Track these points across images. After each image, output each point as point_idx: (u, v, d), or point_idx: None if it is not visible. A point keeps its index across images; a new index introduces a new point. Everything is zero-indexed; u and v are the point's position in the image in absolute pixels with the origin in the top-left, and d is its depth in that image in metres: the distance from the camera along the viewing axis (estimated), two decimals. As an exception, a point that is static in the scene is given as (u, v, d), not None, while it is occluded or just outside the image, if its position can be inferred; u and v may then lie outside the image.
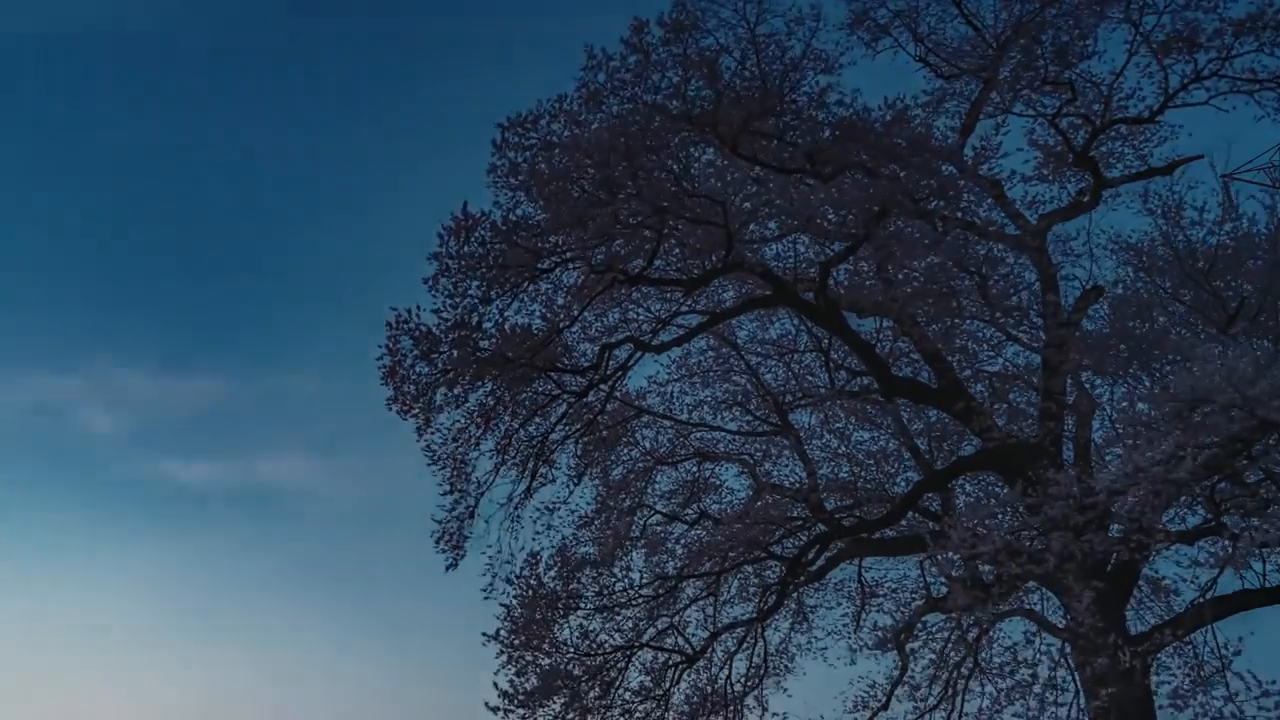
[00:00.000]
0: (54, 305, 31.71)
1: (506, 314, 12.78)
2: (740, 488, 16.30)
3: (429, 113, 30.57)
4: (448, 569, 13.64)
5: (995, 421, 12.83)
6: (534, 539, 14.87)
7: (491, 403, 13.47)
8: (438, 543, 13.63)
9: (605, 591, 14.65)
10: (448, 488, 13.61)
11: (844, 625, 15.68)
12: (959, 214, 12.41)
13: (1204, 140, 12.51)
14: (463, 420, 13.52)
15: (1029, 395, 13.90)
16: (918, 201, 12.06)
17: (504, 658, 13.62)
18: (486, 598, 13.87)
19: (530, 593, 13.90)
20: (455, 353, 12.63)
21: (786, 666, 15.64)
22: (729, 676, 14.85)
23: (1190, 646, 12.14)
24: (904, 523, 14.18)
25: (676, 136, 11.84)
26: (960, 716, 13.89)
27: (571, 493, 15.44)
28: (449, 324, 12.55)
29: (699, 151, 12.69)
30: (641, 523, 15.77)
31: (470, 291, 12.47)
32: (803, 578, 14.27)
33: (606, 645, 14.22)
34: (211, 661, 31.21)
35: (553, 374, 13.35)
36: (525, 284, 12.73)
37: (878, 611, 15.58)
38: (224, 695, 29.96)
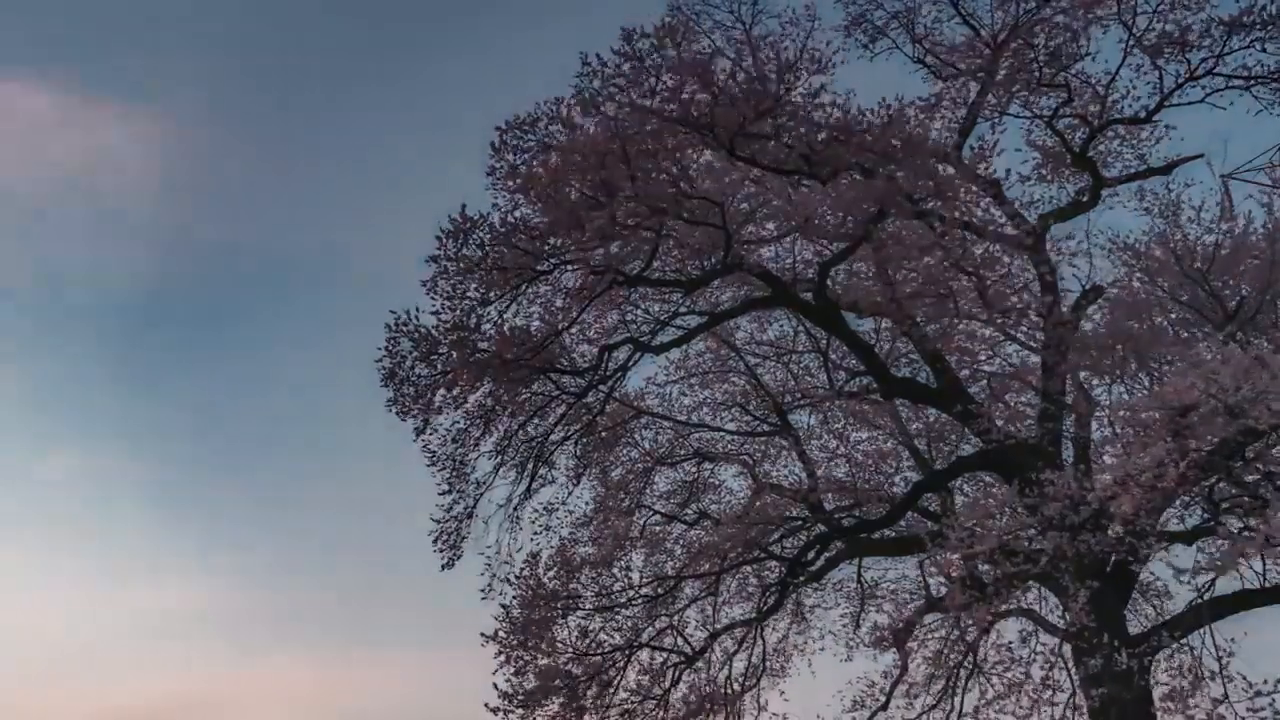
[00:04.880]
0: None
1: (505, 316, 12.83)
2: (739, 488, 16.36)
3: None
4: (443, 568, 13.71)
5: (994, 422, 12.82)
6: (533, 539, 14.95)
7: (491, 404, 13.51)
8: (435, 542, 13.68)
9: (604, 591, 14.68)
10: (446, 488, 13.65)
11: (843, 625, 15.73)
12: (957, 214, 12.39)
13: (1202, 139, 12.52)
14: (462, 421, 13.58)
15: (1028, 395, 13.89)
16: (915, 202, 12.06)
17: (502, 658, 13.68)
18: (484, 598, 13.95)
19: (530, 593, 13.95)
20: (454, 354, 12.67)
21: (785, 666, 15.69)
22: (728, 676, 14.90)
23: (1187, 648, 12.13)
24: (903, 523, 14.21)
25: (673, 139, 11.84)
26: (959, 716, 13.93)
27: (570, 493, 15.52)
28: (448, 326, 12.59)
29: (696, 153, 12.70)
30: (641, 523, 15.82)
31: (469, 293, 12.51)
32: (802, 578, 14.29)
33: (605, 645, 14.27)
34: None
35: (552, 375, 13.37)
36: (524, 286, 12.76)
37: (877, 611, 15.61)
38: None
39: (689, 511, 15.90)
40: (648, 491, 16.05)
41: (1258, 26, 10.95)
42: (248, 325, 33.34)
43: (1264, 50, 11.20)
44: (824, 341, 14.91)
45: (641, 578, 15.06)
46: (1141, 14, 11.42)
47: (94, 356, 34.39)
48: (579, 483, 15.45)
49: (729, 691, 14.66)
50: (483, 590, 13.94)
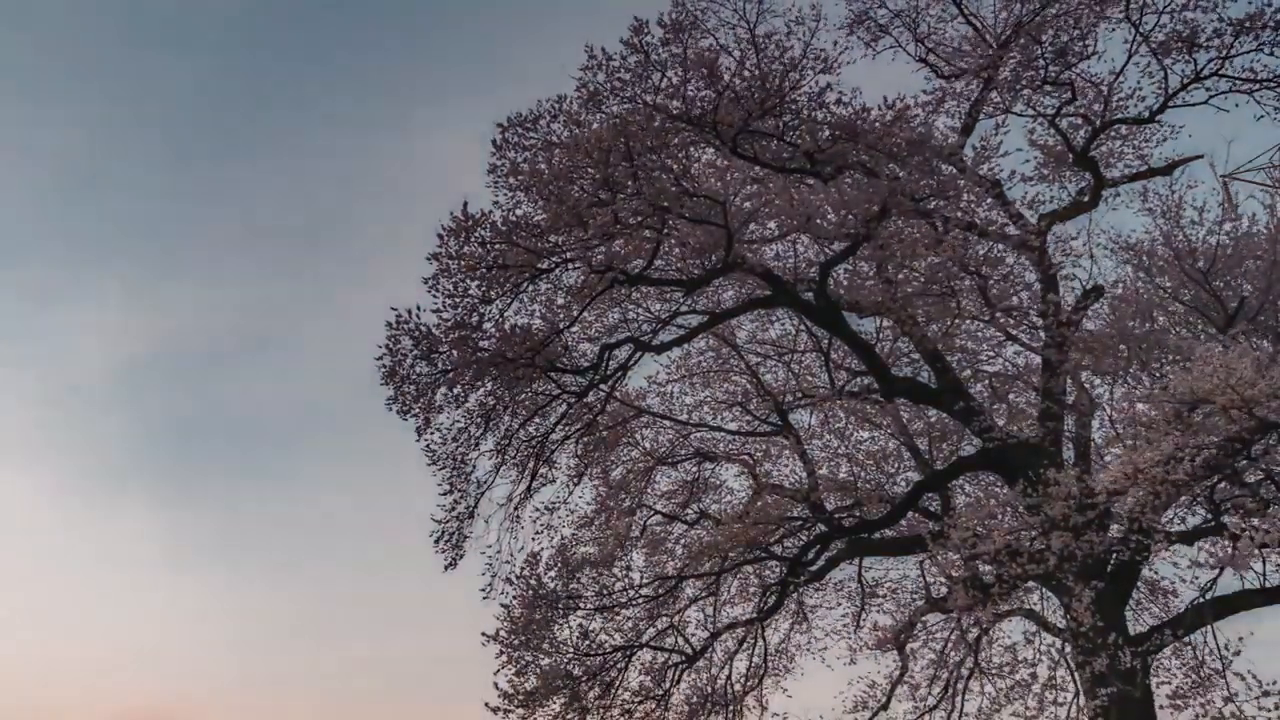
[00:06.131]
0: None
1: (506, 314, 12.77)
2: (740, 488, 16.32)
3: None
4: (446, 569, 13.62)
5: (995, 421, 12.82)
6: (534, 539, 14.88)
7: (491, 403, 13.44)
8: (437, 543, 13.60)
9: (605, 591, 14.63)
10: (447, 488, 13.58)
11: (844, 625, 15.69)
12: (959, 214, 12.39)
13: (1204, 140, 12.53)
14: (463, 420, 13.50)
15: (1029, 395, 13.88)
16: (918, 201, 12.05)
17: (503, 657, 13.62)
18: (486, 598, 13.87)
19: (530, 593, 13.89)
20: (455, 353, 12.61)
21: (786, 666, 15.65)
22: (729, 676, 14.86)
23: (1190, 647, 12.14)
24: (904, 523, 14.19)
25: (676, 136, 11.80)
26: (960, 716, 13.92)
27: (571, 493, 15.45)
28: (449, 324, 12.53)
29: (699, 151, 12.68)
30: (641, 523, 15.77)
31: (470, 291, 12.45)
32: (803, 578, 14.26)
33: (606, 645, 14.21)
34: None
35: (553, 374, 13.31)
36: (525, 284, 12.70)
37: (878, 611, 15.59)
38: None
39: (689, 511, 15.86)
40: (648, 491, 16.03)
41: (1267, 29, 10.93)
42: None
43: (1271, 54, 11.19)
44: (825, 341, 14.88)
45: (642, 578, 15.03)
46: (1150, 12, 11.42)
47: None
48: (580, 482, 15.41)
49: (730, 692, 14.63)
50: (484, 590, 13.87)
